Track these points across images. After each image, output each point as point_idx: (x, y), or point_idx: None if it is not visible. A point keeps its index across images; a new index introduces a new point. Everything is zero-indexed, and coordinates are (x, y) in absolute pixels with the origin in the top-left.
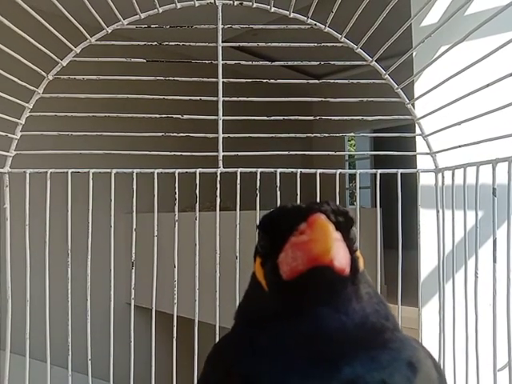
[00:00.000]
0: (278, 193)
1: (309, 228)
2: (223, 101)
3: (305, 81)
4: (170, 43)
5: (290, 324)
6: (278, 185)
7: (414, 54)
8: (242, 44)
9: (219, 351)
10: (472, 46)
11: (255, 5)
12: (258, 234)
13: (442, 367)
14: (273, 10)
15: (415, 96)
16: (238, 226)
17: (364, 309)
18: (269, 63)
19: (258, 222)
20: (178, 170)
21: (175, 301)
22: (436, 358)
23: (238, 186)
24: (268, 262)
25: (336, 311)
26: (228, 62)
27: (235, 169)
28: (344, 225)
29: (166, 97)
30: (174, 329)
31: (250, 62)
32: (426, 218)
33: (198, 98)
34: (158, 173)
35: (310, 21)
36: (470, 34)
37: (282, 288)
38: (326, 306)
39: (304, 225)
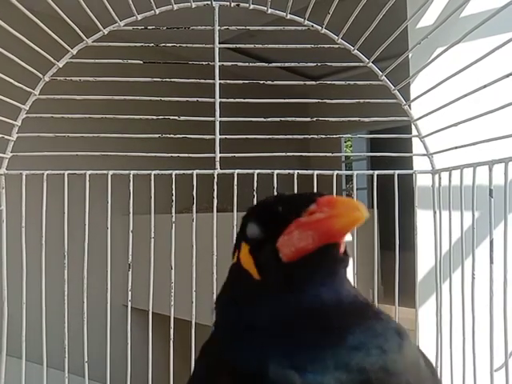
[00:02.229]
0: (276, 194)
1: (328, 205)
2: (220, 102)
3: (302, 82)
4: (167, 44)
5: (289, 303)
6: (276, 186)
7: (410, 55)
8: (238, 45)
9: (212, 343)
10: (468, 47)
11: (252, 6)
12: (243, 224)
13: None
14: (270, 11)
15: (411, 97)
16: (235, 227)
17: (352, 288)
18: (266, 65)
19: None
20: (174, 172)
21: (172, 303)
22: (433, 358)
23: (235, 188)
24: (261, 248)
25: (335, 289)
26: (225, 63)
27: (232, 170)
28: None
29: (162, 98)
30: (171, 331)
31: (247, 64)
32: (423, 219)
33: (195, 99)
34: (154, 174)
35: (306, 22)
36: (466, 35)
37: (283, 270)
38: (326, 283)
39: (314, 206)
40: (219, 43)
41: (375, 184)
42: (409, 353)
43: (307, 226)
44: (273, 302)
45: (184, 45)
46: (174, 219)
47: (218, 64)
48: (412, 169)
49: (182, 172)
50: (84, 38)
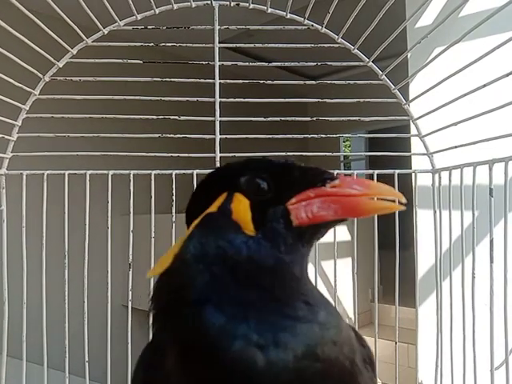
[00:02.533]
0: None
1: (361, 184)
2: (220, 102)
3: (302, 82)
4: (167, 44)
5: (282, 267)
6: None
7: (409, 55)
8: (238, 45)
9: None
10: (467, 46)
11: (252, 5)
12: (233, 173)
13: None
14: (269, 10)
15: (410, 97)
16: None
17: None
18: (265, 64)
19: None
20: (175, 171)
21: None
22: (433, 357)
23: None
24: (265, 206)
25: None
26: (225, 62)
27: None
28: None
29: (162, 98)
30: None
31: (247, 63)
32: (423, 219)
33: (195, 99)
34: (155, 174)
35: (306, 21)
36: (466, 34)
37: (292, 232)
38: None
39: (339, 181)
40: (219, 43)
41: None
42: (344, 327)
43: (336, 197)
44: (266, 260)
45: (184, 44)
46: (174, 219)
47: (217, 64)
48: (410, 168)
49: (182, 172)
50: (84, 37)
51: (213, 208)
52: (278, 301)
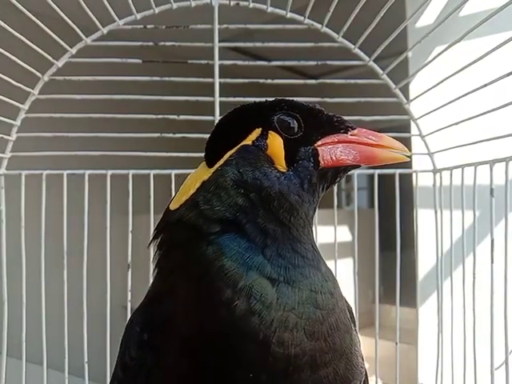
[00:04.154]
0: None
1: (376, 136)
2: (220, 101)
3: (302, 81)
4: (166, 43)
5: (310, 205)
6: None
7: (410, 54)
8: (238, 44)
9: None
10: (468, 46)
11: (252, 5)
12: (266, 111)
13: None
14: (269, 10)
15: (411, 96)
16: None
17: None
18: (265, 63)
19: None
20: (174, 171)
21: None
22: (434, 357)
23: None
24: (295, 144)
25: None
26: (224, 62)
27: None
28: None
29: (162, 97)
30: None
31: (247, 63)
32: (424, 219)
33: (195, 98)
34: (154, 174)
35: (307, 21)
36: (466, 34)
37: (317, 173)
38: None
39: (357, 130)
40: (219, 42)
41: (376, 183)
42: (337, 284)
43: (356, 145)
44: (293, 197)
45: (183, 44)
46: None
47: (217, 63)
48: (410, 168)
49: (181, 171)
50: (83, 37)
51: (247, 141)
52: (293, 238)
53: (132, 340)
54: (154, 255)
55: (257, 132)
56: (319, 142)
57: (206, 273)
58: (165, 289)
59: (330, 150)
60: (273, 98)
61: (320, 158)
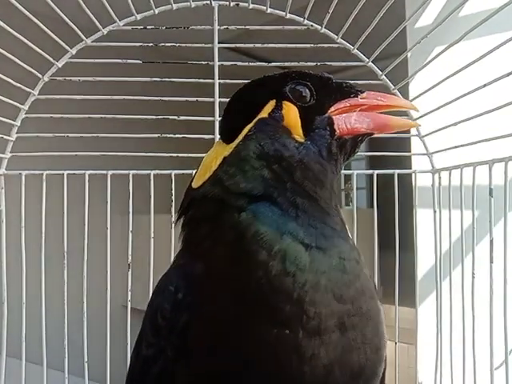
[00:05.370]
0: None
1: (385, 97)
2: (220, 102)
3: None
4: (166, 44)
5: (331, 174)
6: None
7: (409, 54)
8: (238, 45)
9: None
10: (468, 46)
11: (251, 5)
12: (278, 83)
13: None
14: (269, 10)
15: (410, 96)
16: None
17: None
18: (265, 64)
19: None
20: (174, 172)
21: None
22: (433, 357)
23: None
24: (310, 113)
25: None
26: (224, 63)
27: None
28: None
29: (162, 98)
30: None
31: (247, 63)
32: (423, 219)
33: (195, 99)
34: (154, 174)
35: (306, 22)
36: (466, 34)
37: (335, 142)
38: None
39: (365, 94)
40: (218, 43)
41: (375, 183)
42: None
43: (369, 113)
44: (314, 166)
45: (183, 45)
46: (173, 219)
47: (217, 64)
48: (409, 168)
49: (181, 172)
50: (83, 37)
51: (263, 114)
52: (322, 210)
53: (166, 300)
54: (180, 234)
55: (271, 104)
56: (332, 108)
57: (242, 237)
58: (199, 252)
59: (345, 119)
60: (281, 72)
61: (335, 127)
